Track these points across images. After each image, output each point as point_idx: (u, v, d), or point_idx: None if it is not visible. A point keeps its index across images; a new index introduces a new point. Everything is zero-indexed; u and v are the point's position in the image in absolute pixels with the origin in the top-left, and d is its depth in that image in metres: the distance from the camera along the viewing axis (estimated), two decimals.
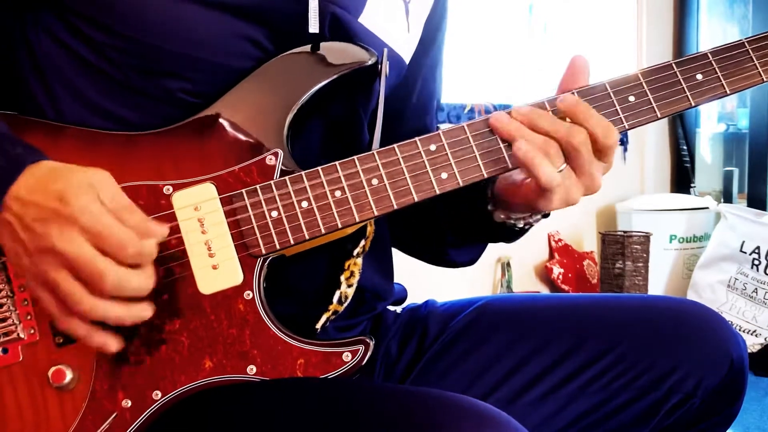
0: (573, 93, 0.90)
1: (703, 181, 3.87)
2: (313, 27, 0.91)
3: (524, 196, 0.92)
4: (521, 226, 1.00)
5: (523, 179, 0.92)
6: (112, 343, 0.80)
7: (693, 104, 0.92)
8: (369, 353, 0.86)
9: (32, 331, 0.85)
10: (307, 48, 0.91)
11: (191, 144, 0.88)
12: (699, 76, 0.93)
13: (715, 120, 3.97)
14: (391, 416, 0.77)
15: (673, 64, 0.93)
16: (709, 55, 0.93)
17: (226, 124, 0.88)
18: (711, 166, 3.97)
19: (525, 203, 0.93)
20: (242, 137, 0.88)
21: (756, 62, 0.93)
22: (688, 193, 3.75)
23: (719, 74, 0.93)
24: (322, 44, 0.91)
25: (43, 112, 0.91)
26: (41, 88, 0.92)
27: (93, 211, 0.76)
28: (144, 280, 0.79)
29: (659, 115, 0.92)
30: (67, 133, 0.88)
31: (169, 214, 0.85)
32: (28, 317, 0.85)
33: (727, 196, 3.68)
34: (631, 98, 0.92)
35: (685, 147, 3.81)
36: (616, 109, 0.91)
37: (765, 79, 0.94)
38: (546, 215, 0.99)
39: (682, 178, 3.84)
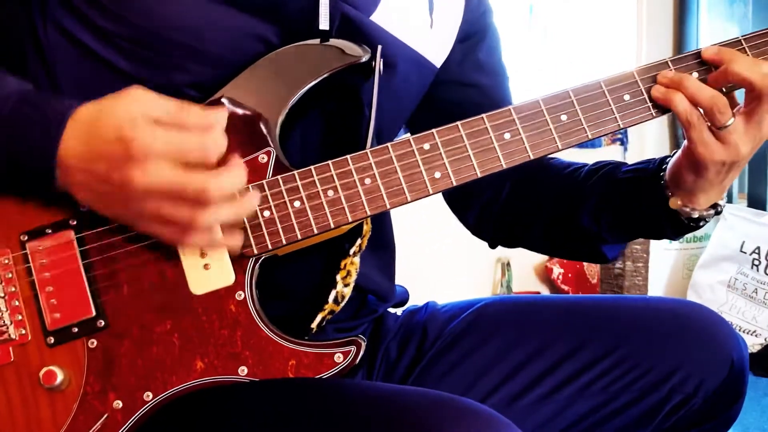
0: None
1: None
2: (324, 24, 0.90)
3: (690, 159, 0.92)
4: (695, 216, 0.97)
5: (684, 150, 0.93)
6: (238, 240, 0.82)
7: None
8: (361, 354, 0.85)
9: (23, 332, 0.85)
10: (304, 44, 0.90)
11: None
12: (694, 75, 0.92)
13: None
14: (385, 416, 0.77)
15: (669, 62, 0.93)
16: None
17: None
18: None
19: (690, 163, 0.93)
20: (234, 135, 0.87)
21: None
22: None
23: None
24: (321, 42, 0.90)
25: None
26: (47, 81, 0.91)
27: (158, 135, 0.74)
28: (237, 175, 0.78)
29: (654, 114, 0.92)
30: None
31: None
32: (19, 317, 0.85)
33: (727, 196, 3.66)
34: (627, 97, 0.92)
35: None
36: (611, 108, 0.91)
37: None
38: (718, 212, 0.98)
39: None
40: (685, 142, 0.93)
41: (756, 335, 3.10)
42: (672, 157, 0.98)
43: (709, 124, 0.91)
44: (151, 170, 0.74)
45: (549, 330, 1.04)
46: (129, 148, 0.74)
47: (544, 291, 3.40)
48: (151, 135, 0.74)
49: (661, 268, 3.41)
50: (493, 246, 1.21)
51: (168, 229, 0.78)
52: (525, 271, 3.31)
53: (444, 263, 2.63)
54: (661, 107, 0.92)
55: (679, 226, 0.99)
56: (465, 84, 1.10)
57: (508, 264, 3.16)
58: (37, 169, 0.78)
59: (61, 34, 0.90)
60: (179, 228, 0.78)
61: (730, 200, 3.63)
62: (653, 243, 3.31)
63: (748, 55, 0.92)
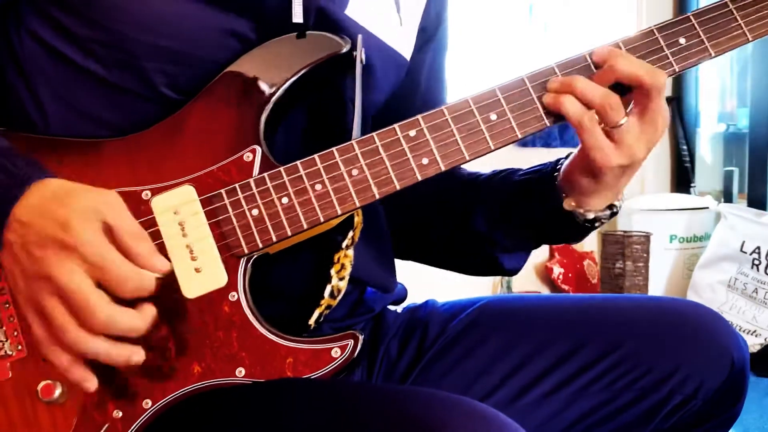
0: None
1: (703, 181, 3.87)
2: (297, 17, 0.90)
3: (585, 163, 0.91)
4: (591, 217, 0.97)
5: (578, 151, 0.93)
6: (90, 383, 0.78)
7: (677, 69, 0.91)
8: (359, 348, 0.85)
9: (20, 348, 0.84)
10: (283, 39, 0.89)
11: (168, 145, 0.87)
12: (682, 41, 0.91)
13: (715, 120, 3.97)
14: (384, 415, 0.76)
15: (654, 30, 0.91)
16: (691, 17, 0.92)
17: (201, 122, 0.87)
18: (711, 166, 3.96)
19: (586, 167, 0.92)
20: (219, 135, 0.87)
21: (740, 21, 0.91)
22: (688, 193, 3.75)
23: (703, 37, 0.91)
24: (299, 36, 0.90)
25: (28, 116, 0.91)
26: (26, 92, 0.91)
27: (95, 242, 0.74)
28: (137, 320, 0.77)
29: (547, 123, 0.91)
30: (40, 144, 0.87)
31: (149, 219, 0.83)
32: (15, 333, 0.84)
33: (727, 196, 3.67)
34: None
35: (685, 147, 3.80)
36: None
37: (750, 39, 0.92)
38: (614, 213, 0.97)
39: (682, 178, 3.83)
40: (580, 146, 0.92)
41: (756, 335, 3.11)
42: (566, 159, 0.98)
43: (603, 126, 0.89)
44: (65, 264, 0.73)
45: (549, 329, 1.03)
46: (63, 236, 0.74)
47: (545, 291, 3.40)
48: (89, 236, 0.74)
49: (661, 268, 3.42)
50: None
51: (40, 327, 0.76)
52: (525, 271, 3.27)
53: None
54: (555, 114, 0.89)
55: (575, 228, 0.99)
56: (409, 78, 1.08)
57: None
58: None
59: (36, 43, 0.90)
60: (49, 332, 0.76)
61: (730, 200, 3.63)
62: (653, 243, 3.32)
63: (736, 17, 0.91)
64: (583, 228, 0.99)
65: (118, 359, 0.77)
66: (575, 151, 0.95)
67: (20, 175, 0.78)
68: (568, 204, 0.97)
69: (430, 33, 1.10)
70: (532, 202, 1.01)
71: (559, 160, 0.99)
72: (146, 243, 0.78)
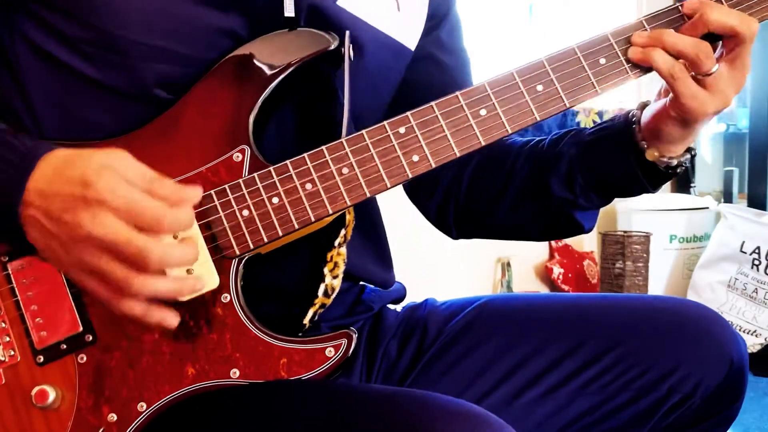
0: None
1: (703, 181, 3.87)
2: (289, 11, 0.89)
3: (679, 113, 0.92)
4: (674, 164, 0.98)
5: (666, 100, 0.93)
6: (171, 318, 0.78)
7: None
8: (353, 346, 0.84)
9: (12, 353, 0.84)
10: (272, 36, 0.89)
11: (157, 147, 0.86)
12: (602, 60, 0.91)
13: (714, 120, 3.96)
14: (377, 417, 0.76)
15: (644, 21, 0.93)
16: (680, 8, 0.92)
17: (190, 122, 0.87)
18: (711, 166, 3.97)
19: (679, 117, 0.92)
20: (207, 135, 0.86)
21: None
22: (688, 193, 3.74)
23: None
24: (288, 33, 0.89)
25: (21, 122, 0.90)
26: (19, 98, 0.90)
27: (120, 189, 0.73)
28: (187, 250, 0.77)
29: (632, 76, 0.92)
30: None
31: None
32: (7, 339, 0.84)
33: (727, 196, 3.67)
34: (602, 60, 0.91)
35: None
36: (588, 74, 0.91)
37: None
38: (693, 155, 0.99)
39: (682, 178, 3.83)
40: (668, 98, 0.93)
41: (756, 335, 3.10)
42: (641, 111, 0.98)
43: (693, 75, 0.90)
44: (100, 219, 0.73)
45: (548, 328, 1.03)
46: (87, 193, 0.73)
47: (544, 291, 3.40)
48: (113, 186, 0.73)
49: (661, 268, 3.42)
50: (455, 237, 1.19)
51: (102, 287, 0.76)
52: (525, 271, 3.30)
53: (444, 263, 2.62)
54: (640, 67, 0.91)
55: (656, 177, 1.00)
56: (428, 60, 1.09)
57: (509, 264, 3.16)
58: (1, 203, 0.77)
59: (28, 48, 0.89)
60: (112, 288, 0.75)
61: (730, 200, 3.63)
62: (653, 243, 3.31)
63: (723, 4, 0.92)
64: (664, 176, 1.00)
65: (187, 291, 0.78)
66: (658, 101, 0.96)
67: (30, 150, 0.78)
68: (652, 155, 0.97)
69: (441, 13, 1.10)
70: (613, 156, 1.01)
71: (629, 113, 1.00)
72: (167, 183, 0.77)
